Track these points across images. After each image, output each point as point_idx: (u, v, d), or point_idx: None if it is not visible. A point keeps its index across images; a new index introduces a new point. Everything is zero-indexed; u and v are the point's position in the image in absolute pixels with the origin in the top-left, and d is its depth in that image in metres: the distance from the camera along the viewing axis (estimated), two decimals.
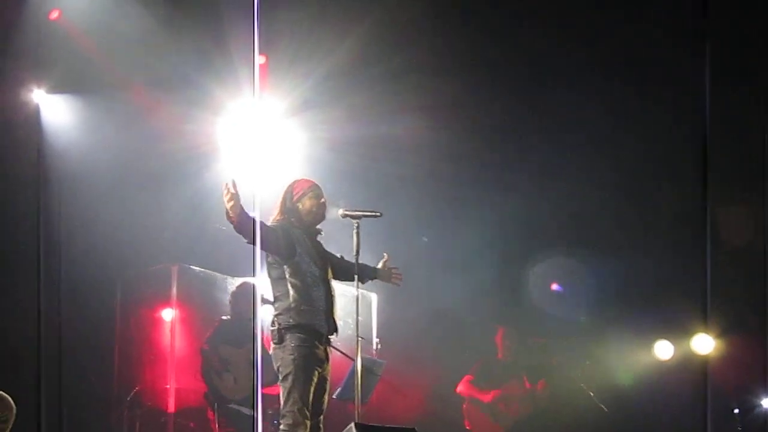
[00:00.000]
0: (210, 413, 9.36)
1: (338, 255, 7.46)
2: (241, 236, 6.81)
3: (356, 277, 7.20)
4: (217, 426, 9.29)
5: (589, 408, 10.36)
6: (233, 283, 9.92)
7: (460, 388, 10.62)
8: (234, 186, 6.63)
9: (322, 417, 7.08)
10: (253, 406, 8.20)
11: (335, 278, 7.33)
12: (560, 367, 10.71)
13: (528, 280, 11.23)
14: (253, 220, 6.71)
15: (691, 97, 10.23)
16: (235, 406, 9.19)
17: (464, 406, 10.63)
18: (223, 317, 9.66)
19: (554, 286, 11.54)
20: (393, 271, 7.67)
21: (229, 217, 6.70)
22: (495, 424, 10.46)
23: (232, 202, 6.63)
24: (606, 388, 10.58)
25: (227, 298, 9.82)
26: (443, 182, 10.91)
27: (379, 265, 7.64)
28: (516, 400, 10.51)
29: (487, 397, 10.46)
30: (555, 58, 10.63)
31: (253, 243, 6.75)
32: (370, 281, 7.65)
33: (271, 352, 7.10)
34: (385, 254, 7.66)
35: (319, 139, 10.08)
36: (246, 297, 9.34)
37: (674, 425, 11.05)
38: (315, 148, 10.05)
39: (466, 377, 10.62)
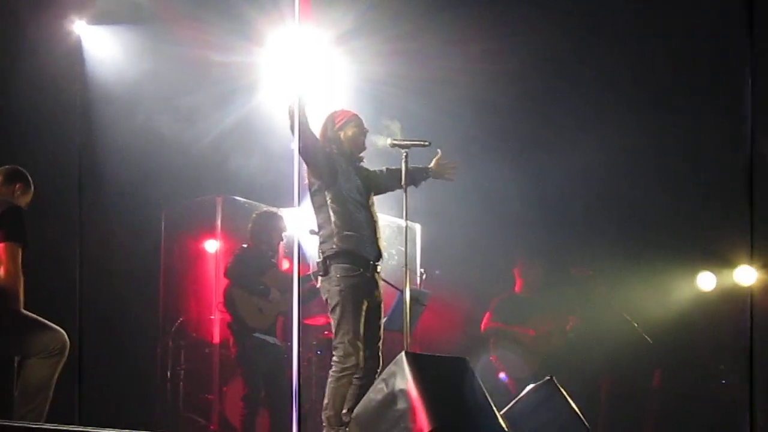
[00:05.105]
0: (232, 344, 9.18)
1: (383, 169, 7.38)
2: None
3: (404, 207, 7.09)
4: (236, 356, 9.13)
5: (632, 339, 10.32)
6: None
7: (483, 326, 10.36)
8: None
9: (380, 344, 7.07)
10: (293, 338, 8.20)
11: (385, 190, 7.34)
12: (604, 298, 10.62)
13: (573, 211, 11.12)
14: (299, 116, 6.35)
15: (735, 24, 10.07)
16: (260, 335, 9.03)
17: (491, 341, 10.38)
18: (244, 245, 9.39)
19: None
20: (447, 165, 7.52)
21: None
22: (525, 358, 10.21)
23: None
24: (649, 319, 10.52)
25: (248, 225, 9.41)
26: (494, 116, 10.77)
27: (431, 164, 7.48)
28: (547, 334, 10.34)
29: (512, 330, 10.26)
30: None
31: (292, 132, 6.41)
32: (423, 182, 7.50)
33: (318, 285, 7.10)
34: (438, 150, 7.48)
35: (363, 70, 9.98)
36: (265, 224, 9.23)
37: (717, 357, 11.03)
38: (359, 79, 9.95)
39: (486, 314, 10.40)
